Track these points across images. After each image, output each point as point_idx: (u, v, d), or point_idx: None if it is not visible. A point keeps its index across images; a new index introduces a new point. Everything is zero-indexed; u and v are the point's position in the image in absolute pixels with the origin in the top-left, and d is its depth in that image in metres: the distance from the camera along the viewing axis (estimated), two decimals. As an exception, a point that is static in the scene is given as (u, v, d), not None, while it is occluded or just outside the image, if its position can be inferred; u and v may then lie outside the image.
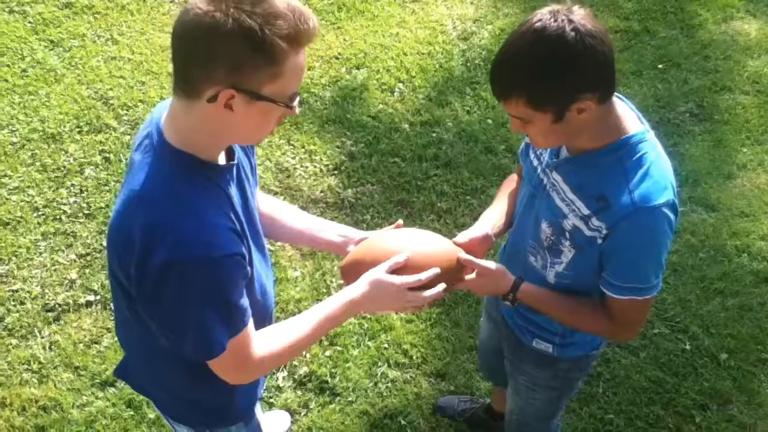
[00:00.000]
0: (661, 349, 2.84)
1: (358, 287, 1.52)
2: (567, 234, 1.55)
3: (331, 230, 1.76)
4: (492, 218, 1.83)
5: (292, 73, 1.21)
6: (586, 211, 1.49)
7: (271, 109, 1.23)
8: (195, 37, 1.16)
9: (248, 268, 1.36)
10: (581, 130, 1.44)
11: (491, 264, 1.67)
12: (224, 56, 1.15)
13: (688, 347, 2.84)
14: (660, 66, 4.07)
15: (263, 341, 1.42)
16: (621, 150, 1.46)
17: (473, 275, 1.68)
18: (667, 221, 1.45)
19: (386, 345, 2.81)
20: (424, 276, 1.52)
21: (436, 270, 1.53)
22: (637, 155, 1.46)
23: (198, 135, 1.28)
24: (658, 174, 1.45)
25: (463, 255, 1.65)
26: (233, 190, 1.38)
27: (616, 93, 1.49)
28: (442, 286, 1.54)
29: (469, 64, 4.02)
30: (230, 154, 1.40)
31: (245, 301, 1.36)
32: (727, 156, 3.63)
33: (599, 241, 1.50)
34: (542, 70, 1.34)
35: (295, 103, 1.26)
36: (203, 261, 1.23)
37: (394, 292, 1.50)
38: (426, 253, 1.60)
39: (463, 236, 1.74)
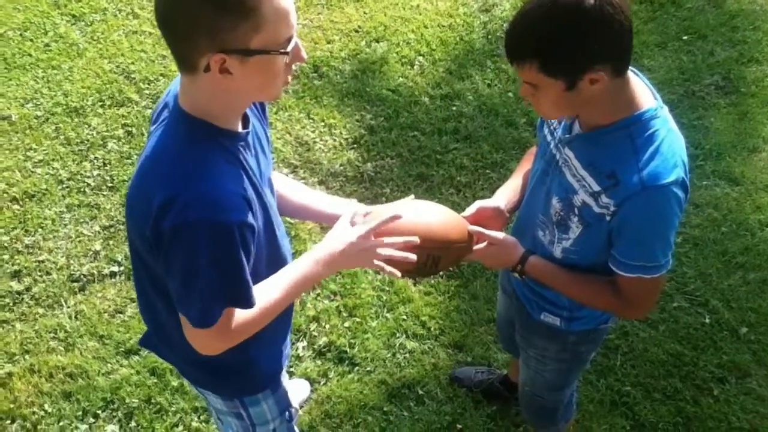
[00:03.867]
0: (680, 322, 2.83)
1: (323, 243, 1.53)
2: (576, 210, 1.54)
3: (337, 204, 1.76)
4: (506, 194, 1.84)
5: (275, 19, 1.18)
6: (596, 188, 1.48)
7: (268, 60, 1.21)
8: (169, 16, 1.17)
9: (253, 245, 1.35)
10: (591, 103, 1.42)
11: (502, 235, 1.69)
12: (199, 24, 1.15)
13: (707, 321, 2.83)
14: (685, 38, 3.99)
15: (239, 311, 1.42)
16: (632, 126, 1.44)
17: (483, 245, 1.69)
18: (676, 200, 1.43)
19: (404, 317, 2.84)
20: (381, 220, 1.51)
21: (414, 239, 1.53)
22: (648, 132, 1.44)
23: (212, 105, 1.28)
24: (669, 151, 1.43)
25: (473, 227, 1.66)
26: (250, 158, 1.39)
27: (631, 67, 1.47)
28: (411, 241, 1.53)
29: (490, 37, 3.98)
30: (245, 123, 1.40)
31: (249, 278, 1.36)
32: (752, 129, 3.56)
33: (608, 218, 1.49)
34: (557, 37, 1.32)
35: (291, 46, 1.22)
36: (209, 223, 1.24)
37: (356, 240, 1.50)
38: (429, 224, 1.61)
39: (473, 207, 1.75)
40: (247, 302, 1.39)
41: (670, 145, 1.44)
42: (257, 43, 1.18)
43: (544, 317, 1.85)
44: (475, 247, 1.70)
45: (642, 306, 1.64)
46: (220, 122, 1.31)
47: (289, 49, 1.22)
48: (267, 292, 1.46)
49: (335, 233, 1.54)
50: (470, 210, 1.76)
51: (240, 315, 1.42)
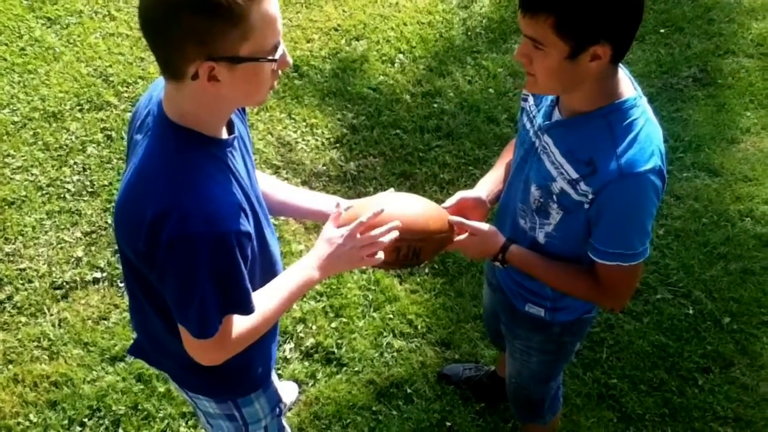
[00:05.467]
0: (664, 314, 2.85)
1: (314, 248, 1.55)
2: (554, 197, 1.55)
3: (319, 200, 1.77)
4: (487, 184, 1.85)
5: (263, 26, 1.17)
6: (574, 175, 1.49)
7: (256, 67, 1.21)
8: (156, 23, 1.16)
9: (249, 251, 1.36)
10: (582, 82, 1.41)
11: (483, 225, 1.70)
12: (187, 32, 1.14)
13: (691, 312, 2.86)
14: (662, 31, 4.03)
15: (239, 319, 1.42)
16: (611, 114, 1.45)
17: (464, 236, 1.70)
18: (653, 188, 1.44)
19: (391, 315, 2.84)
20: (365, 218, 1.53)
21: (396, 223, 1.54)
22: (627, 120, 1.45)
23: (198, 112, 1.27)
24: (646, 140, 1.44)
25: (453, 217, 1.67)
26: (238, 163, 1.39)
27: None
28: (394, 234, 1.55)
29: (469, 33, 3.98)
30: (230, 127, 1.40)
31: (248, 284, 1.36)
32: (730, 120, 3.61)
33: (586, 206, 1.50)
34: None
35: (279, 54, 1.23)
36: (209, 236, 1.24)
37: (342, 241, 1.52)
38: (409, 215, 1.61)
39: (454, 198, 1.76)
40: (246, 309, 1.39)
41: (648, 134, 1.45)
42: (246, 50, 1.18)
43: (529, 308, 1.86)
44: (456, 237, 1.70)
45: (620, 295, 1.65)
46: (207, 130, 1.30)
47: (276, 56, 1.22)
48: (265, 300, 1.46)
49: (323, 236, 1.55)
50: (451, 201, 1.77)
51: (239, 324, 1.42)
